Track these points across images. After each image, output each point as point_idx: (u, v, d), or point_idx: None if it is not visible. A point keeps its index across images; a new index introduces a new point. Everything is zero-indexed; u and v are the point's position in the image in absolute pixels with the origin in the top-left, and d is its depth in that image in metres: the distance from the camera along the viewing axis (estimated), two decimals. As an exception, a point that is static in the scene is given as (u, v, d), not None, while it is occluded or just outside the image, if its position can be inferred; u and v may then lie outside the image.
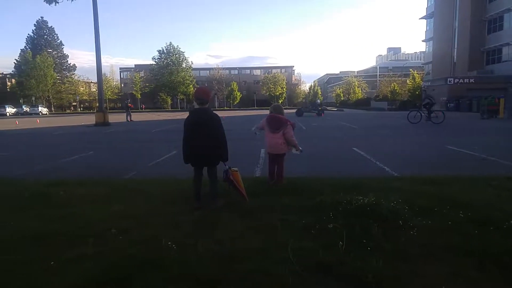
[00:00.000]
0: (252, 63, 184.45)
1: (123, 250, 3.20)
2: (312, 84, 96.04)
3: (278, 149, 5.30)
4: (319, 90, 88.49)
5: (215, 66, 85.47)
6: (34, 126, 25.48)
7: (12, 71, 70.92)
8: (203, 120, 4.32)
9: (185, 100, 77.19)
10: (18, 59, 68.55)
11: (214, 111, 4.48)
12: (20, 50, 71.66)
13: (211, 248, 3.25)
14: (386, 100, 59.86)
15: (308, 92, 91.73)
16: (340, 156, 9.20)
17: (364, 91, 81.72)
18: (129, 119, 28.82)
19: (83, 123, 26.52)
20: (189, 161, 4.47)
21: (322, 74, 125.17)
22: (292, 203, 4.44)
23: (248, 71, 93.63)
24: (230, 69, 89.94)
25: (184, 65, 78.05)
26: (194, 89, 77.88)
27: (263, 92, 79.76)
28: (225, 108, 74.90)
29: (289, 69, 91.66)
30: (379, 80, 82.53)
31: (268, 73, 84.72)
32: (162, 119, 31.89)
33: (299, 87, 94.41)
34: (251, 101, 76.77)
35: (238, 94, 78.82)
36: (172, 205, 4.53)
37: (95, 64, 24.32)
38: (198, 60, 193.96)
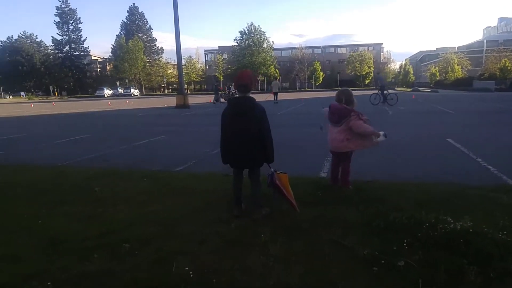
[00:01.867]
0: (337, 41, 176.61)
1: (125, 273, 2.60)
2: (403, 62, 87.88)
3: (339, 147, 4.26)
4: (411, 69, 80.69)
5: (298, 46, 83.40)
6: (123, 107, 27.31)
7: (109, 55, 77.96)
8: (242, 111, 3.47)
9: (265, 81, 77.08)
10: (114, 44, 74.95)
11: (258, 101, 3.57)
12: (115, 36, 78.05)
13: (234, 282, 2.48)
14: (493, 79, 51.76)
15: (398, 72, 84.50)
16: (429, 150, 7.52)
17: (465, 69, 72.28)
18: (220, 100, 27.94)
19: (165, 105, 27.63)
20: (227, 161, 3.69)
21: (415, 51, 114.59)
22: (355, 218, 3.43)
23: (332, 50, 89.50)
24: (313, 48, 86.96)
25: (265, 46, 77.36)
26: (275, 70, 77.60)
27: (348, 71, 75.86)
28: (307, 89, 73.13)
29: (377, 47, 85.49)
30: (485, 56, 72.25)
31: (354, 51, 79.99)
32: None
33: (388, 66, 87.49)
34: (334, 81, 73.46)
35: (321, 74, 76.11)
36: (212, 209, 3.85)
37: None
38: (281, 40, 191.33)
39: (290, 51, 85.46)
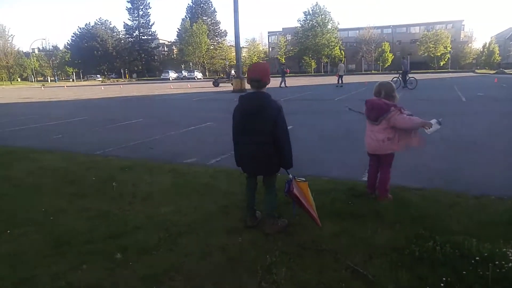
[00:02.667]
0: (410, 20, 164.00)
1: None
2: (488, 41, 77.71)
3: (378, 148, 3.63)
4: (496, 49, 71.49)
5: (366, 26, 78.79)
6: (183, 91, 27.94)
7: (175, 39, 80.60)
8: (254, 109, 2.98)
9: (328, 63, 74.46)
10: (179, 28, 77.21)
11: (272, 98, 3.05)
12: (181, 20, 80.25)
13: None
14: None
15: (481, 51, 75.38)
16: (507, 150, 6.18)
17: None
18: (283, 85, 27.33)
19: (223, 89, 27.77)
20: (239, 164, 3.26)
21: (504, 28, 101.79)
22: (386, 241, 2.84)
23: (404, 29, 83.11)
24: (382, 27, 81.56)
25: (329, 26, 74.30)
26: (340, 51, 74.39)
27: (420, 52, 70.18)
28: (373, 71, 69.27)
29: (457, 24, 77.33)
30: None
31: (429, 30, 73.43)
32: (309, 84, 31.03)
33: (470, 45, 78.80)
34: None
35: (390, 55, 71.44)
36: (226, 216, 3.50)
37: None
38: (348, 20, 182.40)
39: (357, 31, 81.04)
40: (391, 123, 3.46)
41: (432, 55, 68.55)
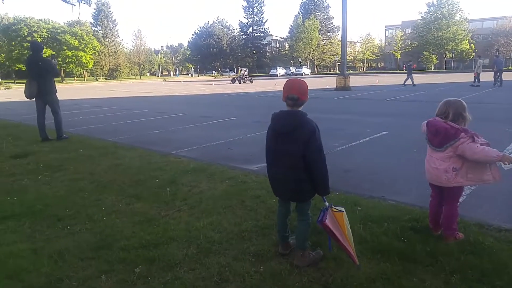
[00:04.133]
0: None
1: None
2: None
3: (442, 180, 2.95)
4: None
5: (507, 15, 67.78)
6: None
7: (286, 35, 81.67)
8: (287, 129, 2.69)
9: (452, 59, 66.65)
10: (291, 24, 77.98)
11: (308, 117, 2.71)
12: (294, 16, 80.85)
13: None
14: None
15: None
16: None
17: None
18: (410, 82, 25.11)
19: (327, 86, 27.03)
20: (272, 187, 2.99)
21: None
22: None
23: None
24: (530, 15, 69.48)
25: (457, 18, 66.31)
26: (469, 45, 65.72)
27: None
28: (510, 67, 59.66)
29: None
30: None
31: None
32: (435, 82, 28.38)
33: None
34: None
35: (535, 49, 60.67)
36: (260, 236, 3.28)
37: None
38: (485, 9, 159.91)
39: (495, 21, 70.55)
40: (459, 151, 2.79)
41: None
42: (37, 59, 7.97)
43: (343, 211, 2.73)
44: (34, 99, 8.10)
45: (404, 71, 65.82)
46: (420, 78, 35.88)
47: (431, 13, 67.20)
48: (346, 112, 13.20)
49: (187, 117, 12.34)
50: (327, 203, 2.74)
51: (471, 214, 3.60)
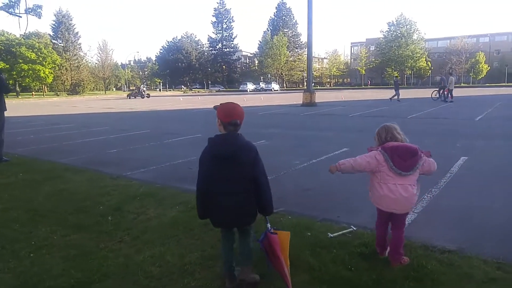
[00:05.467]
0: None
1: None
2: None
3: (409, 206, 2.92)
4: None
5: (459, 35, 72.26)
6: (254, 104, 28.12)
7: (255, 51, 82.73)
8: (231, 154, 2.53)
9: (412, 75, 70.10)
10: (260, 40, 79.15)
11: (247, 140, 2.62)
12: (263, 32, 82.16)
13: None
14: None
15: None
16: None
17: None
18: (397, 98, 25.12)
19: (294, 102, 27.28)
20: (207, 217, 2.77)
21: None
22: None
23: (505, 38, 74.74)
24: (478, 36, 74.40)
25: (415, 37, 70.18)
26: (426, 63, 69.39)
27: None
28: (462, 84, 63.05)
29: None
30: None
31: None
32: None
33: None
34: (502, 75, 61.42)
35: (485, 67, 64.63)
36: (207, 269, 3.03)
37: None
38: (439, 30, 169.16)
39: (448, 41, 75.01)
40: (424, 169, 2.83)
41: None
42: None
43: (289, 232, 2.74)
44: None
45: (368, 86, 68.76)
46: (383, 93, 37.08)
47: (391, 32, 70.69)
48: (310, 128, 13.28)
49: (149, 135, 11.95)
50: (269, 225, 2.66)
51: (418, 234, 3.57)
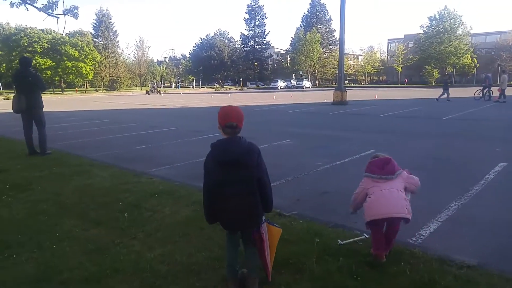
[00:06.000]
0: None
1: None
2: None
3: (402, 209, 2.95)
4: None
5: (510, 29, 67.23)
6: (284, 101, 28.06)
7: (288, 48, 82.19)
8: (235, 158, 2.57)
9: (454, 73, 66.69)
10: (293, 37, 78.57)
11: (248, 142, 2.67)
12: (295, 29, 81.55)
13: None
14: None
15: None
16: None
17: None
18: (445, 97, 24.10)
19: (325, 100, 26.95)
20: (215, 220, 2.83)
21: None
22: None
23: None
24: (536, 28, 68.96)
25: (459, 32, 66.35)
26: (472, 59, 65.47)
27: None
28: (511, 83, 59.50)
29: None
30: None
31: None
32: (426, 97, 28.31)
33: None
34: None
35: (540, 63, 60.43)
36: (213, 270, 3.11)
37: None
38: (488, 24, 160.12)
39: (498, 35, 70.40)
40: (408, 182, 3.07)
41: None
42: (26, 74, 7.93)
43: (281, 228, 2.93)
44: (20, 114, 8.06)
45: (405, 85, 66.30)
46: (420, 92, 35.81)
47: (433, 27, 67.28)
48: (336, 128, 13.06)
49: (178, 132, 12.24)
50: (264, 218, 2.80)
51: (438, 245, 3.47)
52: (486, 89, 23.30)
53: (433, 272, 2.92)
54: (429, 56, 67.33)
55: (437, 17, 67.04)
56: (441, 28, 65.82)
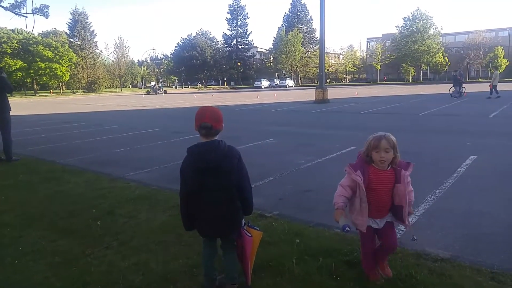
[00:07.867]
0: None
1: None
2: None
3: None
4: None
5: (477, 29, 70.17)
6: (267, 101, 27.96)
7: (270, 48, 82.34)
8: (214, 164, 2.40)
9: (428, 71, 68.69)
10: (275, 37, 78.69)
11: (228, 146, 2.52)
12: (277, 29, 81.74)
13: None
14: None
15: None
16: None
17: None
18: (456, 93, 23.71)
19: (307, 99, 26.96)
20: (193, 228, 2.68)
21: None
22: None
23: (526, 31, 72.20)
24: (497, 30, 72.19)
25: (431, 32, 68.71)
26: (443, 58, 67.67)
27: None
28: (480, 79, 61.41)
29: None
30: None
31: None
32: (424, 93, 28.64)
33: None
34: (523, 69, 59.40)
35: (504, 61, 62.71)
36: (189, 278, 2.93)
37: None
38: (457, 24, 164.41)
39: (466, 35, 73.00)
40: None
41: None
42: None
43: (261, 232, 2.79)
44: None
45: (384, 82, 67.50)
46: (398, 90, 36.38)
47: (407, 27, 69.46)
48: (318, 126, 13.06)
49: (158, 133, 11.94)
50: (244, 222, 2.70)
51: (415, 239, 3.48)
52: (458, 86, 23.67)
53: (409, 267, 2.89)
54: (405, 55, 69.23)
55: (411, 17, 69.51)
56: (415, 28, 68.23)
